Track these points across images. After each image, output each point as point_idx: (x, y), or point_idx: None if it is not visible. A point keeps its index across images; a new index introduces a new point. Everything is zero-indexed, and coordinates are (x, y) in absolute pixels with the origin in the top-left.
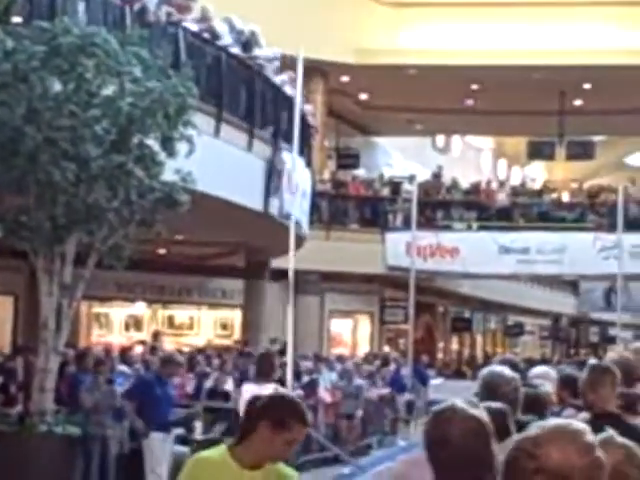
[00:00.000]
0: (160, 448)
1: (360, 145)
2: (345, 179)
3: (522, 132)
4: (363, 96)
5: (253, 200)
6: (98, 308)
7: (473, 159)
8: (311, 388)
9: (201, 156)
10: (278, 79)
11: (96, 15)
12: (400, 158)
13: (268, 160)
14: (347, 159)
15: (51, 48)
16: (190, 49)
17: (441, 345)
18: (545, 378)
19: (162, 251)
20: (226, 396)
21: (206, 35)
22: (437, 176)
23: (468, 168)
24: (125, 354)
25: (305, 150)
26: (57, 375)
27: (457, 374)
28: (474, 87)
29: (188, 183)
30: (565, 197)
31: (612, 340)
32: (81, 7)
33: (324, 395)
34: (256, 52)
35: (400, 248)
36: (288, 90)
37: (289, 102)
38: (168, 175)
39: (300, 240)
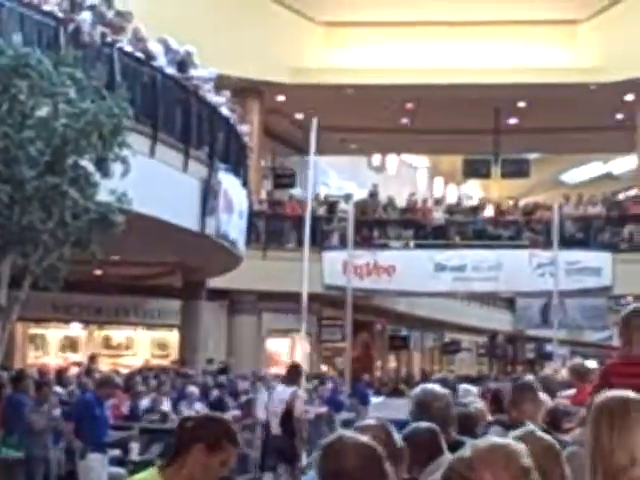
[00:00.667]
0: (96, 469)
1: (296, 164)
2: (282, 198)
3: (458, 150)
4: (299, 115)
5: (189, 220)
6: (34, 329)
7: (409, 177)
8: (248, 408)
9: (136, 176)
10: (214, 99)
11: (30, 36)
12: (336, 177)
13: (204, 180)
14: (283, 178)
15: None
16: (125, 70)
17: (379, 363)
18: (468, 395)
19: (98, 272)
20: (164, 417)
21: (141, 55)
22: (373, 195)
23: (404, 186)
24: (61, 376)
25: (241, 170)
26: None
27: (395, 392)
28: (409, 106)
29: (123, 204)
30: (500, 215)
31: (549, 356)
32: (15, 28)
33: (261, 415)
34: (192, 72)
35: (337, 267)
36: (224, 110)
37: (225, 122)
38: (103, 196)
39: (237, 260)
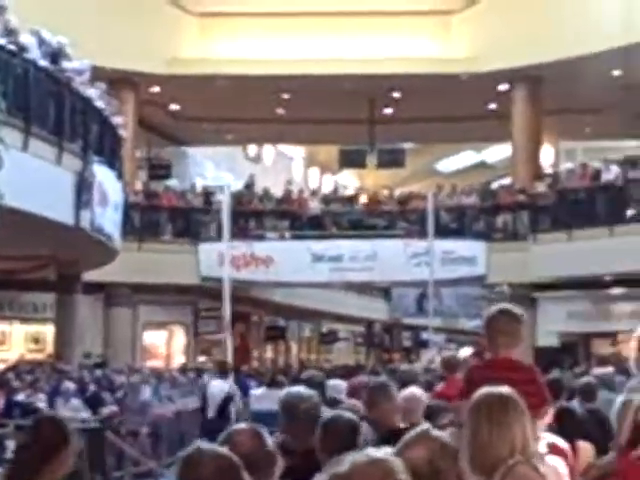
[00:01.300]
0: None
1: (172, 155)
2: (157, 190)
3: (333, 141)
4: (174, 106)
5: (64, 214)
6: None
7: (285, 168)
8: (125, 403)
9: (9, 171)
10: (88, 92)
11: None
12: (212, 168)
13: (78, 173)
14: (159, 170)
15: None
16: None
17: (256, 354)
18: (339, 392)
19: None
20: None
21: (12, 47)
22: (249, 186)
23: (280, 177)
24: None
25: (116, 162)
26: None
27: (273, 383)
28: (285, 96)
29: None
30: (375, 204)
31: (424, 344)
32: None
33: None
34: (65, 64)
35: (213, 258)
36: (98, 102)
37: (99, 114)
38: None
39: (112, 253)
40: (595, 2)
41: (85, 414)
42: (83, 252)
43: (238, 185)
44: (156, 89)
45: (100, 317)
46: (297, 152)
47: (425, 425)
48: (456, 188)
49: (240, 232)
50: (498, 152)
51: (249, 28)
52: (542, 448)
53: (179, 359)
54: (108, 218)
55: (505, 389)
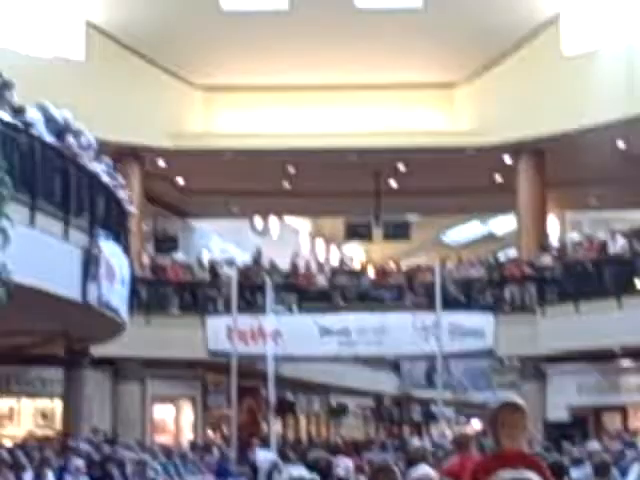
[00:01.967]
0: None
1: (178, 228)
2: (164, 263)
3: (339, 213)
4: (180, 180)
5: (71, 289)
6: None
7: (291, 240)
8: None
9: (16, 247)
10: (94, 167)
11: None
12: (219, 241)
13: (85, 248)
14: (165, 243)
15: None
16: (2, 138)
17: (265, 428)
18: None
19: None
20: None
21: (18, 124)
22: (256, 259)
23: (287, 249)
24: None
25: (122, 236)
26: None
27: (282, 458)
28: (290, 169)
29: (3, 275)
30: (382, 277)
31: (434, 417)
32: None
33: None
34: (70, 140)
35: (221, 332)
36: (104, 177)
37: (105, 189)
38: None
39: (120, 328)
40: (598, 74)
41: None
42: (91, 327)
43: (244, 257)
44: (161, 163)
45: (108, 392)
46: (303, 224)
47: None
48: (462, 260)
49: (247, 306)
50: (505, 223)
51: (254, 102)
52: None
53: (188, 434)
54: (115, 293)
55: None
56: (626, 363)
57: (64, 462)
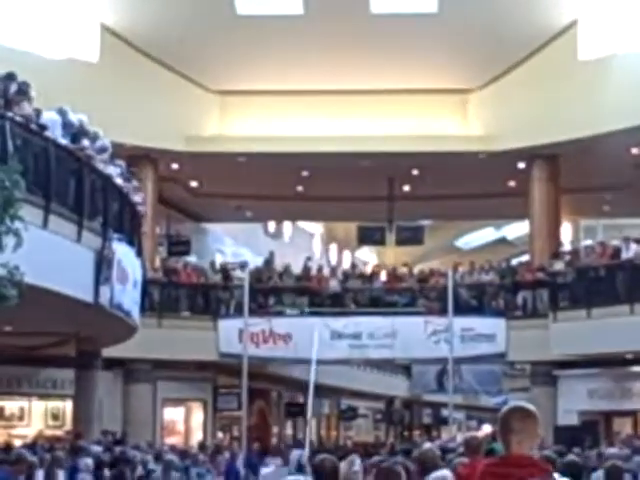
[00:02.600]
0: None
1: (191, 231)
2: (176, 266)
3: (352, 218)
4: (193, 183)
5: (83, 291)
6: None
7: (304, 244)
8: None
9: (29, 248)
10: (108, 169)
11: None
12: (231, 244)
13: (98, 251)
14: (178, 246)
15: None
16: (17, 140)
17: (275, 430)
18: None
19: None
20: None
21: (32, 126)
22: (269, 262)
23: (300, 253)
24: None
25: (135, 239)
26: None
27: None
28: (304, 174)
29: (15, 277)
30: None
31: (445, 421)
32: None
33: None
34: (85, 143)
35: (233, 335)
36: (118, 180)
37: (118, 192)
38: None
39: (131, 330)
40: (612, 81)
41: None
42: (102, 329)
43: (257, 261)
44: (175, 166)
45: (119, 393)
46: (316, 228)
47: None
48: (474, 265)
49: (259, 308)
50: (518, 229)
51: (268, 106)
52: None
53: (198, 436)
54: (127, 295)
55: None
56: (637, 369)
57: (74, 462)
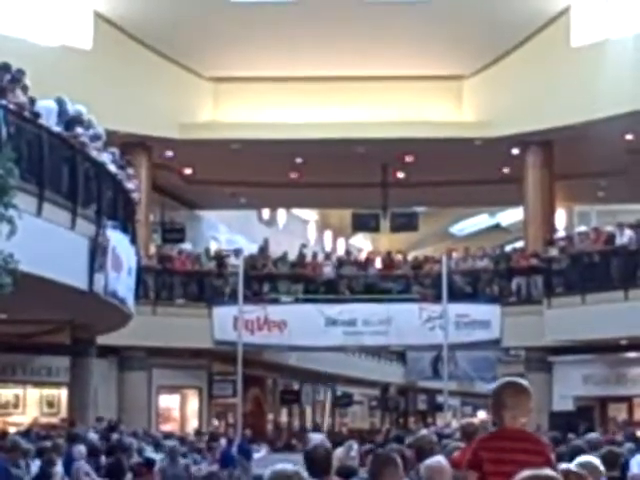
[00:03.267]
0: None
1: (185, 219)
2: (171, 254)
3: (346, 204)
4: (187, 170)
5: (78, 279)
6: None
7: (299, 231)
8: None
9: (23, 236)
10: (102, 157)
11: None
12: (226, 231)
13: (92, 238)
14: (172, 233)
15: None
16: (11, 128)
17: (270, 417)
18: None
19: None
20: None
21: (27, 114)
22: (263, 249)
23: (294, 240)
24: None
25: (129, 227)
26: None
27: (287, 447)
28: (298, 160)
29: (10, 265)
30: (389, 268)
31: (440, 408)
32: None
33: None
34: (78, 130)
35: (227, 322)
36: (111, 167)
37: (112, 179)
38: None
39: (126, 317)
40: (607, 66)
41: None
42: (97, 316)
43: (252, 248)
44: (169, 153)
45: (114, 381)
46: (311, 215)
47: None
48: (469, 251)
49: (254, 296)
50: (512, 215)
51: (262, 93)
52: None
53: (193, 423)
54: (122, 282)
55: (549, 472)
56: (632, 354)
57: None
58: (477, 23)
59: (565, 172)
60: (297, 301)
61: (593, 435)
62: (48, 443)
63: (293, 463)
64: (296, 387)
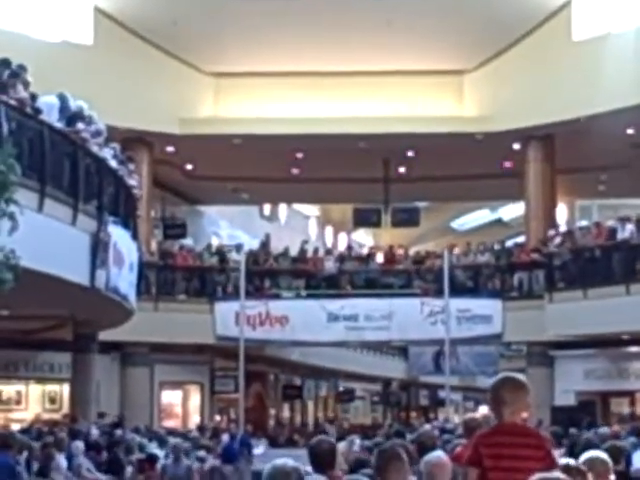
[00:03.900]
0: None
1: (187, 214)
2: (172, 249)
3: (348, 199)
4: (188, 166)
5: (79, 274)
6: None
7: (300, 226)
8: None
9: (24, 232)
10: (103, 153)
11: None
12: (227, 226)
13: (93, 234)
14: (174, 229)
15: None
16: (12, 124)
17: (273, 413)
18: None
19: None
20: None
21: (27, 110)
22: (265, 245)
23: (296, 235)
24: None
25: (131, 222)
26: None
27: (289, 442)
28: (299, 155)
29: (11, 260)
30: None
31: (442, 403)
32: None
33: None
34: (80, 126)
35: (229, 318)
36: (113, 163)
37: (113, 175)
38: None
39: (128, 313)
40: (607, 60)
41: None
42: (99, 312)
43: (253, 243)
44: (170, 149)
45: (116, 377)
46: (312, 210)
47: None
48: (470, 246)
49: (255, 291)
50: (514, 210)
51: (263, 88)
52: None
53: (195, 418)
54: (124, 278)
55: (559, 474)
56: (634, 349)
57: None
58: (478, 17)
59: (566, 166)
60: (299, 296)
61: (605, 430)
62: (50, 438)
63: (294, 458)
64: (298, 382)
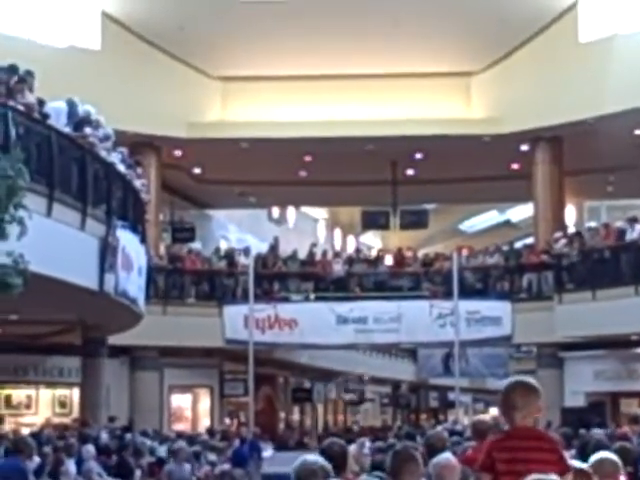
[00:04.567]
0: None
1: (195, 218)
2: (181, 253)
3: (356, 202)
4: (196, 170)
5: (88, 279)
6: None
7: (309, 229)
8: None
9: (33, 237)
10: (111, 157)
11: None
12: (236, 230)
13: (102, 238)
14: (182, 233)
15: None
16: (20, 129)
17: (282, 416)
18: None
19: None
20: None
21: (35, 115)
22: (273, 248)
23: (304, 238)
24: None
25: (139, 226)
26: None
27: (300, 445)
28: (307, 158)
29: (20, 265)
30: (400, 266)
31: (451, 405)
32: None
33: None
34: (87, 131)
35: (238, 321)
36: (121, 167)
37: (122, 179)
38: None
39: (137, 317)
40: (614, 62)
41: None
42: (108, 316)
43: (261, 247)
44: (178, 153)
45: (126, 381)
46: (320, 213)
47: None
48: (479, 248)
49: (264, 294)
50: (522, 212)
51: (270, 91)
52: None
53: (205, 422)
54: (132, 282)
55: (554, 477)
56: None
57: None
58: (485, 20)
59: (574, 168)
60: (307, 299)
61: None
62: (60, 443)
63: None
64: (307, 385)
